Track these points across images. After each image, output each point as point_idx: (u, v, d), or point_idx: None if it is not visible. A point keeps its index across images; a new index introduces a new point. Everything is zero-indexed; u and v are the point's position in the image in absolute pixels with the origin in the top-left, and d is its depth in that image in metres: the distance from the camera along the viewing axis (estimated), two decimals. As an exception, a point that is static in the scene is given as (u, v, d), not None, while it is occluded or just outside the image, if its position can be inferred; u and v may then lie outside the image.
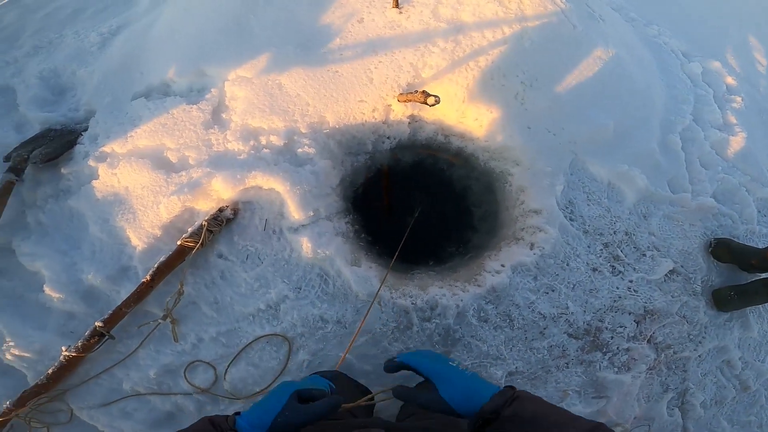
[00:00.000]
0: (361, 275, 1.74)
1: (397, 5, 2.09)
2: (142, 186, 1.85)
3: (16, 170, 1.94)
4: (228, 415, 0.78)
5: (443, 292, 1.78)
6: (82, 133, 2.10)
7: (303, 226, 1.78)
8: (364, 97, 1.97)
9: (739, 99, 2.69)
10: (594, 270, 1.97)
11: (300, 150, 1.88)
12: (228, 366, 1.69)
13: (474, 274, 1.87)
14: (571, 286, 1.92)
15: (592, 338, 1.92)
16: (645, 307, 1.99)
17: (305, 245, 1.74)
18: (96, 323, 1.62)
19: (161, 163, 1.90)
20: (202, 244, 1.69)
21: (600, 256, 2.00)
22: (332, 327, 1.71)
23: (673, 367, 2.03)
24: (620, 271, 2.01)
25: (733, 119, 2.57)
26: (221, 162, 1.85)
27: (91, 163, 1.95)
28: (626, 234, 2.06)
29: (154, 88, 2.14)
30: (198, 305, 1.74)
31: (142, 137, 1.94)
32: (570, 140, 2.07)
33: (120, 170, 1.89)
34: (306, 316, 1.71)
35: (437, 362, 0.89)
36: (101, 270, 1.77)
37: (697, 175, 2.30)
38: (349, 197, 2.04)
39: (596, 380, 1.89)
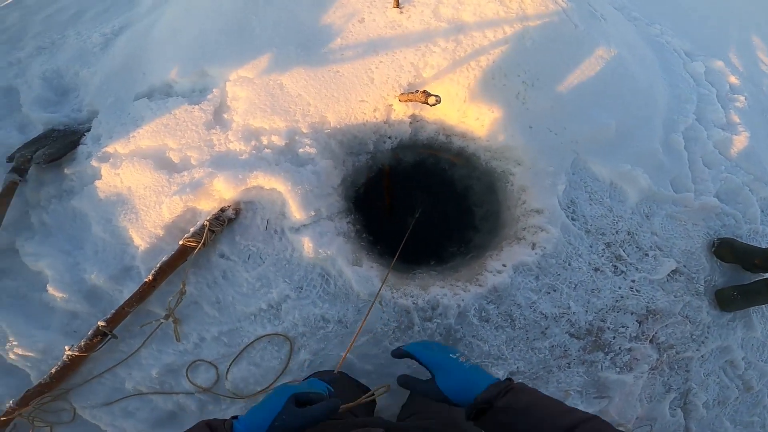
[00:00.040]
0: (362, 275, 1.75)
1: (397, 5, 2.09)
2: (144, 186, 1.86)
3: (20, 171, 1.94)
4: (225, 419, 0.78)
5: (444, 292, 1.78)
6: (85, 133, 2.11)
7: (304, 225, 1.79)
8: (365, 97, 1.97)
9: (742, 98, 2.68)
10: (596, 270, 1.97)
11: (301, 150, 1.88)
12: (230, 365, 1.69)
13: (475, 273, 1.87)
14: (573, 285, 1.92)
15: (594, 338, 1.91)
16: (647, 307, 1.99)
17: (307, 245, 1.74)
18: (99, 323, 1.62)
19: (163, 164, 1.90)
20: (204, 243, 1.69)
21: (602, 256, 2.00)
22: (333, 327, 1.71)
23: (676, 367, 2.02)
24: (622, 271, 2.00)
25: (736, 118, 2.56)
26: (223, 162, 1.85)
27: (94, 163, 1.96)
28: (629, 234, 2.06)
29: (157, 88, 2.15)
30: (200, 305, 1.75)
31: (144, 137, 1.95)
32: (572, 140, 2.06)
33: (123, 170, 1.89)
34: (307, 316, 1.71)
35: (437, 353, 0.94)
36: (104, 270, 1.78)
37: (700, 174, 2.29)
38: (350, 197, 2.04)
39: (598, 380, 1.89)
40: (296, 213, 1.76)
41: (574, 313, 1.89)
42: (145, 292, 1.68)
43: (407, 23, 2.07)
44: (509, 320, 1.82)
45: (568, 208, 2.01)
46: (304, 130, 1.92)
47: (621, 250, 2.02)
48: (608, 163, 2.10)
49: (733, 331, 2.11)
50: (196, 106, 1.98)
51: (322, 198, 1.85)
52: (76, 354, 1.60)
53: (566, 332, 1.88)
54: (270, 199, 1.81)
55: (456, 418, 1.14)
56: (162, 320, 1.69)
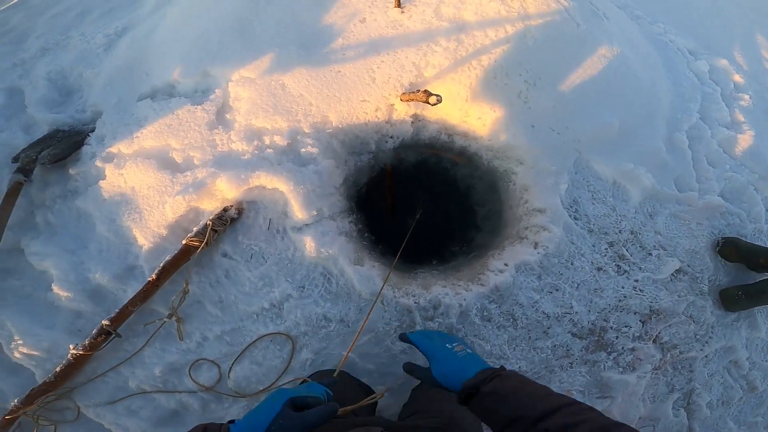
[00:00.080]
0: (364, 274, 1.75)
1: (399, 5, 2.09)
2: (148, 186, 1.87)
3: (25, 171, 1.96)
4: (222, 423, 0.78)
5: (446, 291, 1.77)
6: (89, 134, 2.12)
7: (306, 225, 1.79)
8: (367, 97, 1.97)
9: (746, 97, 2.66)
10: (599, 269, 1.96)
11: (303, 150, 1.89)
12: (232, 364, 1.70)
13: (477, 273, 1.87)
14: (576, 285, 1.91)
15: (596, 338, 1.90)
16: (651, 306, 1.98)
17: (309, 244, 1.75)
18: (103, 322, 1.64)
19: (167, 164, 1.92)
20: (206, 243, 1.70)
21: (605, 256, 1.99)
22: (335, 326, 1.72)
23: (679, 367, 2.01)
24: (626, 271, 1.99)
25: (740, 117, 2.55)
26: (225, 162, 1.86)
27: (98, 163, 1.97)
28: (632, 233, 2.05)
29: (159, 89, 2.16)
30: (203, 304, 1.76)
31: (147, 138, 1.96)
32: (574, 139, 2.06)
33: (126, 170, 1.91)
34: (309, 315, 1.72)
35: (435, 343, 1.05)
36: (108, 269, 1.79)
37: (704, 173, 2.28)
38: (352, 197, 2.05)
39: (601, 380, 1.88)
40: (298, 212, 1.77)
41: (576, 312, 1.88)
42: (148, 291, 1.69)
43: (408, 23, 2.07)
44: (511, 320, 1.82)
45: (571, 207, 2.00)
46: (306, 130, 1.92)
47: (624, 250, 2.01)
48: (611, 162, 2.09)
49: (737, 331, 2.09)
50: (199, 107, 1.99)
51: (324, 198, 1.86)
52: (81, 353, 1.61)
53: (568, 332, 1.88)
54: (272, 198, 1.82)
55: (457, 417, 1.14)
56: (165, 319, 1.70)
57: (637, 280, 1.99)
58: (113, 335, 1.65)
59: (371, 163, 2.08)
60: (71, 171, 2.03)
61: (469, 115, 2.00)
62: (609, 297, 1.94)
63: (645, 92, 2.31)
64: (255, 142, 1.89)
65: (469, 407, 0.89)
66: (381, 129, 2.02)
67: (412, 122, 2.04)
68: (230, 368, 1.70)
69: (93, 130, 2.13)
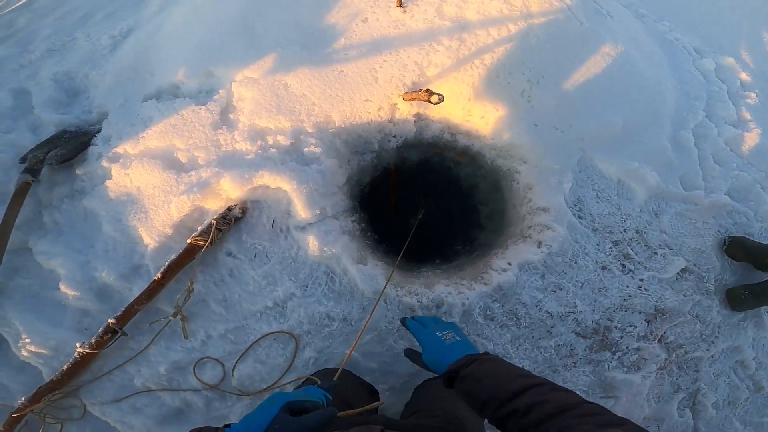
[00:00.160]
0: (367, 273, 1.75)
1: (401, 4, 2.09)
2: (153, 186, 1.89)
3: (33, 171, 1.98)
4: (218, 427, 0.78)
5: (449, 290, 1.77)
6: (96, 134, 2.14)
7: (310, 224, 1.80)
8: (370, 96, 1.98)
9: (753, 95, 2.64)
10: (603, 268, 1.95)
11: (306, 149, 1.90)
12: (236, 363, 1.71)
13: (480, 272, 1.87)
14: (580, 284, 1.91)
15: (600, 337, 1.90)
16: (656, 306, 1.96)
17: (312, 243, 1.75)
18: (109, 320, 1.65)
19: (172, 164, 1.93)
20: (211, 242, 1.71)
21: (610, 255, 1.98)
22: (338, 324, 1.72)
23: (685, 367, 1.99)
24: (630, 270, 1.98)
25: (747, 115, 2.53)
26: (229, 162, 1.87)
27: (105, 163, 1.99)
28: (637, 232, 2.04)
29: (164, 89, 2.18)
30: (207, 303, 1.77)
31: (153, 138, 1.98)
32: (578, 137, 2.05)
33: (132, 170, 1.93)
34: (312, 314, 1.73)
35: (428, 331, 1.15)
36: (114, 268, 1.81)
37: (710, 171, 2.27)
38: (355, 196, 2.05)
39: (605, 380, 1.87)
40: (302, 212, 1.78)
41: (580, 312, 1.87)
42: (154, 290, 1.71)
43: (411, 22, 2.08)
44: (514, 319, 1.82)
45: (575, 206, 2.00)
46: (309, 130, 1.93)
47: (629, 249, 2.00)
48: (616, 160, 2.08)
49: (743, 330, 2.07)
50: (203, 107, 2.01)
51: (328, 197, 1.86)
52: (87, 351, 1.63)
53: (572, 331, 1.87)
54: (276, 198, 1.83)
55: (459, 416, 1.14)
56: (170, 318, 1.72)
57: (642, 280, 1.97)
58: (119, 333, 1.67)
59: (374, 162, 2.08)
60: (78, 171, 2.05)
61: (472, 114, 2.00)
62: (614, 296, 1.93)
63: (650, 90, 2.30)
64: (258, 142, 1.90)
65: (455, 390, 0.97)
66: (384, 128, 2.02)
67: (415, 121, 2.04)
68: (234, 366, 1.71)
69: (99, 131, 2.15)
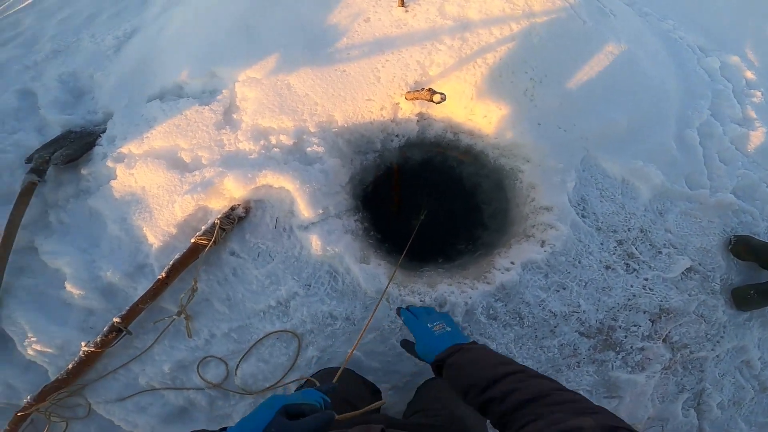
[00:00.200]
0: (369, 272, 1.75)
1: (403, 4, 2.09)
2: (157, 185, 1.89)
3: (39, 171, 1.99)
4: (214, 431, 0.78)
5: (452, 290, 1.77)
6: (101, 134, 2.15)
7: (313, 223, 1.80)
8: (372, 96, 1.98)
9: (758, 93, 2.62)
10: (607, 268, 1.94)
11: (309, 149, 1.90)
12: (239, 362, 1.72)
13: (483, 271, 1.86)
14: (583, 284, 1.90)
15: (604, 337, 1.89)
16: (661, 305, 1.95)
17: (315, 243, 1.76)
18: (114, 319, 1.66)
19: (176, 163, 1.94)
20: (215, 242, 1.72)
21: (614, 254, 1.97)
22: (341, 324, 1.73)
23: (690, 367, 1.98)
24: (635, 269, 1.97)
25: (752, 114, 2.51)
26: (233, 161, 1.88)
27: (110, 163, 2.00)
28: (641, 231, 2.03)
29: (168, 90, 2.19)
30: (211, 302, 1.78)
31: (157, 138, 1.99)
32: (581, 136, 2.04)
33: (137, 170, 1.94)
34: (315, 313, 1.73)
35: (419, 322, 1.21)
36: (119, 267, 1.82)
37: (716, 170, 2.25)
38: (358, 195, 2.05)
39: (608, 380, 1.86)
40: (305, 211, 1.78)
41: (584, 311, 1.87)
42: (158, 289, 1.71)
43: (413, 22, 2.08)
44: (517, 318, 1.81)
45: (579, 205, 1.99)
46: (312, 129, 1.94)
47: (633, 248, 1.99)
48: (620, 159, 2.07)
49: (749, 330, 2.06)
50: (207, 107, 2.01)
51: (330, 196, 1.87)
52: (92, 350, 1.64)
53: (576, 331, 1.86)
54: (279, 197, 1.83)
55: (461, 415, 1.14)
56: (174, 317, 1.72)
57: (646, 279, 1.96)
58: (124, 332, 1.68)
59: (377, 161, 2.08)
60: (83, 171, 2.06)
61: (475, 113, 1.99)
62: (618, 296, 1.92)
63: (654, 89, 2.29)
64: (262, 142, 1.91)
65: (443, 378, 1.02)
66: (386, 128, 2.02)
67: (418, 121, 2.04)
68: (237, 365, 1.72)
69: (104, 131, 2.16)
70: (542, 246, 1.89)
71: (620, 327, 1.90)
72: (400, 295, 1.75)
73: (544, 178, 1.97)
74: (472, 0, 2.08)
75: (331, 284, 1.77)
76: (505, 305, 1.81)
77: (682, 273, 2.01)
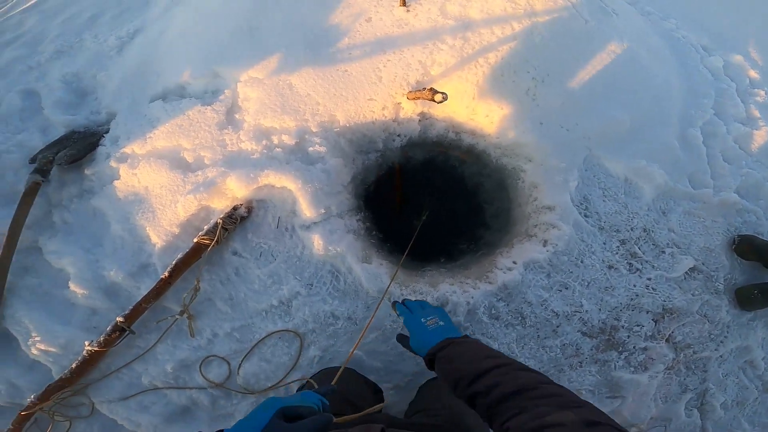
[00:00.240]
0: (371, 272, 1.76)
1: (404, 4, 2.09)
2: (160, 185, 1.90)
3: (42, 171, 2.00)
4: None
5: (454, 289, 1.77)
6: (104, 135, 2.16)
7: (315, 223, 1.80)
8: (374, 96, 1.98)
9: (762, 93, 2.61)
10: (610, 267, 1.94)
11: (311, 149, 1.90)
12: (241, 361, 1.72)
13: (485, 271, 1.86)
14: (586, 283, 1.89)
15: (607, 337, 1.88)
16: (664, 305, 1.95)
17: (317, 242, 1.76)
18: (117, 319, 1.67)
19: (178, 163, 1.95)
20: (217, 241, 1.73)
21: (616, 253, 1.96)
22: (343, 323, 1.73)
23: (693, 367, 1.97)
24: (638, 269, 1.97)
25: (756, 113, 2.50)
26: (235, 161, 1.89)
27: (113, 163, 2.01)
28: (644, 230, 2.02)
29: (171, 90, 2.19)
30: (213, 301, 1.78)
31: (160, 138, 1.99)
32: (584, 136, 2.04)
33: (140, 170, 1.94)
34: (317, 313, 1.73)
35: (414, 317, 1.22)
36: (123, 267, 1.82)
37: (719, 170, 2.24)
38: (360, 195, 2.06)
39: (611, 380, 1.86)
40: (306, 211, 1.78)
41: (586, 311, 1.86)
42: (161, 288, 1.72)
43: (414, 21, 2.07)
44: (519, 318, 1.81)
45: (581, 204, 1.98)
46: (314, 129, 1.94)
47: (636, 248, 1.99)
48: (622, 159, 2.07)
49: (753, 330, 2.05)
50: (209, 107, 2.02)
51: (332, 196, 1.87)
52: (96, 349, 1.64)
53: (578, 331, 1.86)
54: (281, 197, 1.83)
55: (461, 414, 1.14)
56: (177, 316, 1.73)
57: (649, 279, 1.96)
58: (127, 332, 1.68)
59: (379, 161, 2.08)
60: (87, 171, 2.07)
61: (477, 112, 1.99)
62: (620, 295, 1.91)
63: (657, 88, 2.28)
64: (264, 142, 1.91)
65: (435, 372, 1.04)
66: (388, 127, 2.02)
67: (420, 120, 2.04)
68: (239, 365, 1.72)
69: (107, 131, 2.17)
70: (544, 245, 1.88)
71: (623, 327, 1.90)
72: (402, 294, 1.75)
73: (546, 178, 1.96)
74: (473, -1, 2.08)
75: (333, 284, 1.77)
76: (507, 305, 1.80)
77: (686, 273, 2.00)
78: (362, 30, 2.09)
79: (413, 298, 1.73)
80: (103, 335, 1.66)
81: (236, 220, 1.78)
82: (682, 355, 1.95)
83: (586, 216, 1.97)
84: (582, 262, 1.91)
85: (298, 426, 0.71)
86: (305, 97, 1.98)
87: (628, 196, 2.06)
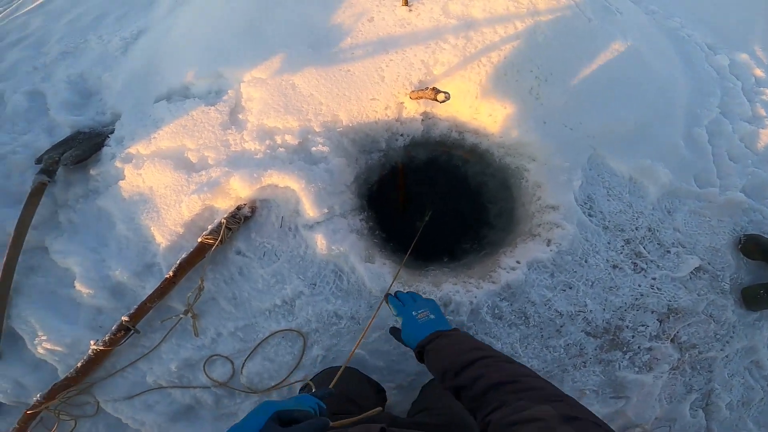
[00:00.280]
0: (374, 271, 1.76)
1: (406, 3, 2.09)
2: (165, 186, 1.91)
3: (48, 172, 2.02)
4: None
5: (457, 289, 1.77)
6: (109, 135, 2.17)
7: (318, 223, 1.81)
8: (377, 95, 1.98)
9: (768, 91, 2.59)
10: (614, 267, 1.93)
11: (314, 148, 1.91)
12: (245, 360, 1.73)
13: (489, 270, 1.86)
14: (590, 283, 1.89)
15: (611, 337, 1.87)
16: (669, 305, 1.93)
17: (320, 242, 1.76)
18: (122, 318, 1.68)
19: (182, 164, 1.96)
20: (221, 241, 1.73)
21: (621, 253, 1.95)
22: (346, 323, 1.73)
23: (698, 367, 1.96)
24: (643, 268, 1.95)
25: (762, 112, 2.48)
26: (239, 161, 1.89)
27: (118, 164, 2.02)
28: (649, 230, 2.01)
29: (175, 90, 2.20)
30: (217, 301, 1.79)
31: (164, 138, 2.01)
32: (588, 135, 2.03)
33: (144, 171, 1.96)
34: (320, 312, 1.73)
35: (404, 310, 1.24)
36: (128, 266, 1.83)
37: (725, 169, 2.23)
38: (363, 195, 2.06)
39: (615, 380, 1.85)
40: (310, 210, 1.79)
41: (590, 311, 1.85)
42: (165, 288, 1.73)
43: (416, 21, 2.07)
44: (523, 318, 1.80)
45: (585, 204, 1.98)
46: (317, 129, 1.94)
47: (641, 247, 1.98)
48: (627, 158, 2.06)
49: (759, 330, 2.03)
50: (212, 107, 2.03)
51: (335, 195, 1.87)
52: (101, 348, 1.66)
53: (582, 331, 1.85)
54: (284, 197, 1.84)
55: (460, 413, 1.14)
56: (181, 315, 1.74)
57: (654, 278, 1.95)
58: (132, 331, 1.70)
59: (382, 161, 2.08)
60: (92, 171, 2.08)
61: (480, 112, 1.99)
62: (625, 295, 1.90)
63: (662, 87, 2.27)
64: (267, 142, 1.92)
65: (425, 364, 1.05)
66: (391, 127, 2.02)
67: (422, 120, 2.04)
68: (243, 364, 1.73)
69: (112, 132, 2.18)
70: (548, 245, 1.88)
71: (628, 327, 1.89)
72: (405, 294, 1.74)
73: (550, 177, 1.96)
74: (476, -2, 2.08)
75: (336, 283, 1.77)
76: (511, 305, 1.80)
77: (691, 272, 1.99)
78: (364, 30, 2.09)
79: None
80: (109, 334, 1.67)
81: (240, 219, 1.78)
82: (687, 355, 1.93)
83: (590, 215, 1.96)
84: (586, 261, 1.90)
85: (293, 430, 0.70)
86: (308, 97, 1.99)
87: (633, 195, 2.04)
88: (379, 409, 0.91)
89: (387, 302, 1.34)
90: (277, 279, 1.78)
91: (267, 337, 1.74)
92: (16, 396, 1.72)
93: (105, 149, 2.12)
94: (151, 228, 1.87)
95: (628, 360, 1.87)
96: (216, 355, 1.74)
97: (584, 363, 1.84)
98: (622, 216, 2.00)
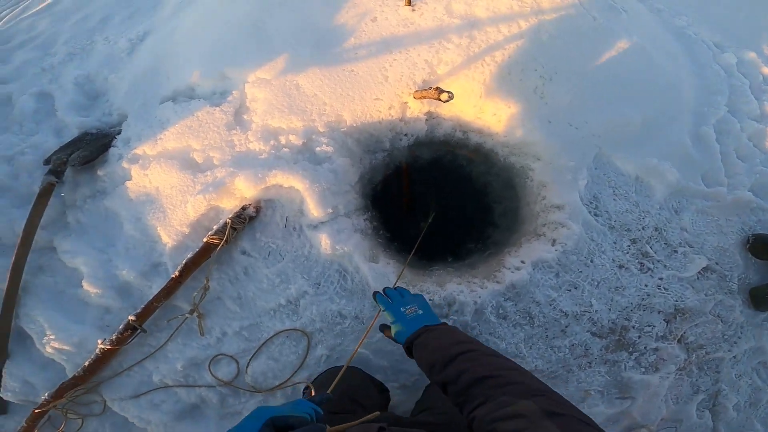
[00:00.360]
0: (379, 271, 1.76)
1: (409, 3, 2.09)
2: (171, 186, 1.93)
3: (57, 172, 2.04)
4: None
5: (461, 289, 1.77)
6: (116, 136, 2.19)
7: (322, 223, 1.81)
8: (380, 95, 1.98)
9: (776, 89, 2.55)
10: (620, 267, 1.92)
11: (318, 149, 1.91)
12: (250, 360, 1.74)
13: (493, 270, 1.85)
14: (596, 283, 1.87)
15: (617, 337, 1.86)
16: (676, 305, 1.92)
17: (324, 242, 1.77)
18: (129, 317, 1.69)
19: (188, 164, 1.97)
20: (226, 241, 1.74)
21: (627, 253, 1.94)
22: (350, 322, 1.73)
23: (705, 368, 1.94)
24: (649, 268, 1.94)
25: (771, 110, 2.44)
26: (243, 162, 1.90)
27: (125, 164, 2.04)
28: (656, 230, 1.99)
29: (180, 91, 2.22)
30: (222, 300, 1.80)
31: (170, 139, 2.02)
32: (593, 134, 2.02)
33: (151, 171, 1.97)
34: (325, 312, 1.74)
35: (393, 306, 1.22)
36: (134, 266, 1.85)
37: (733, 168, 2.20)
38: (367, 194, 2.06)
39: (621, 380, 1.83)
40: (314, 210, 1.79)
41: (596, 311, 1.84)
42: (172, 287, 1.74)
43: (420, 20, 2.07)
44: (528, 318, 1.80)
45: (591, 203, 1.96)
46: (321, 129, 1.95)
47: (648, 247, 1.96)
48: (633, 157, 2.04)
49: (767, 331, 2.01)
50: (217, 108, 2.04)
51: (340, 195, 1.87)
52: (108, 347, 1.67)
53: (587, 331, 1.84)
54: (289, 197, 1.85)
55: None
56: (187, 315, 1.75)
57: (661, 278, 1.93)
58: (139, 330, 1.71)
59: (386, 161, 2.08)
60: (99, 172, 2.10)
61: (484, 111, 1.98)
62: (631, 295, 1.89)
63: (668, 86, 2.25)
64: (271, 142, 1.93)
65: (414, 359, 1.05)
66: (395, 127, 2.02)
67: (426, 120, 2.03)
68: (248, 363, 1.73)
69: (119, 133, 2.20)
70: (553, 245, 1.87)
71: (634, 327, 1.87)
72: (409, 294, 1.74)
73: (555, 176, 1.95)
74: (479, -2, 2.07)
75: (341, 283, 1.78)
76: (515, 305, 1.79)
77: (699, 272, 1.97)
78: (368, 30, 2.09)
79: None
80: (116, 334, 1.69)
81: (245, 219, 1.79)
82: (694, 355, 1.92)
83: (595, 215, 1.95)
84: (592, 261, 1.89)
85: None
86: (312, 97, 1.99)
87: (640, 194, 2.03)
88: (377, 413, 0.90)
89: (375, 300, 1.31)
90: (282, 279, 1.79)
91: (271, 337, 1.75)
92: (25, 395, 1.74)
93: (112, 150, 2.14)
94: (158, 228, 1.88)
95: (634, 360, 1.86)
96: (221, 354, 1.75)
97: (589, 363, 1.83)
98: (629, 215, 1.98)
